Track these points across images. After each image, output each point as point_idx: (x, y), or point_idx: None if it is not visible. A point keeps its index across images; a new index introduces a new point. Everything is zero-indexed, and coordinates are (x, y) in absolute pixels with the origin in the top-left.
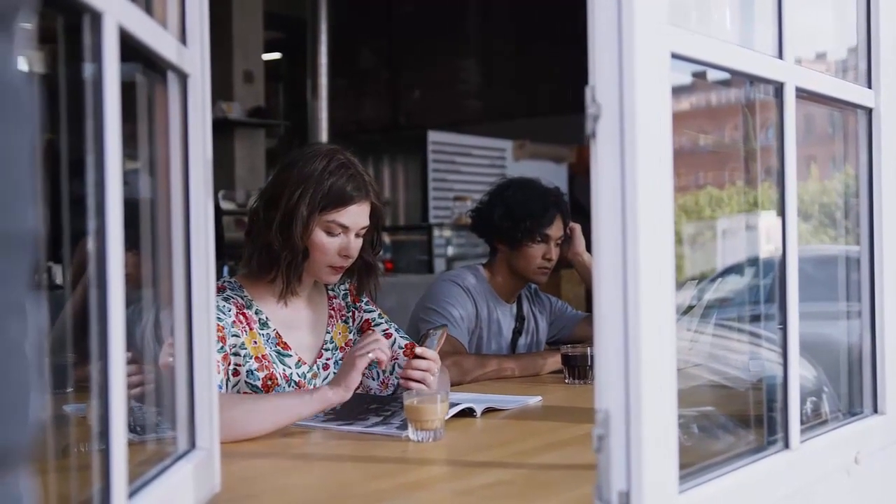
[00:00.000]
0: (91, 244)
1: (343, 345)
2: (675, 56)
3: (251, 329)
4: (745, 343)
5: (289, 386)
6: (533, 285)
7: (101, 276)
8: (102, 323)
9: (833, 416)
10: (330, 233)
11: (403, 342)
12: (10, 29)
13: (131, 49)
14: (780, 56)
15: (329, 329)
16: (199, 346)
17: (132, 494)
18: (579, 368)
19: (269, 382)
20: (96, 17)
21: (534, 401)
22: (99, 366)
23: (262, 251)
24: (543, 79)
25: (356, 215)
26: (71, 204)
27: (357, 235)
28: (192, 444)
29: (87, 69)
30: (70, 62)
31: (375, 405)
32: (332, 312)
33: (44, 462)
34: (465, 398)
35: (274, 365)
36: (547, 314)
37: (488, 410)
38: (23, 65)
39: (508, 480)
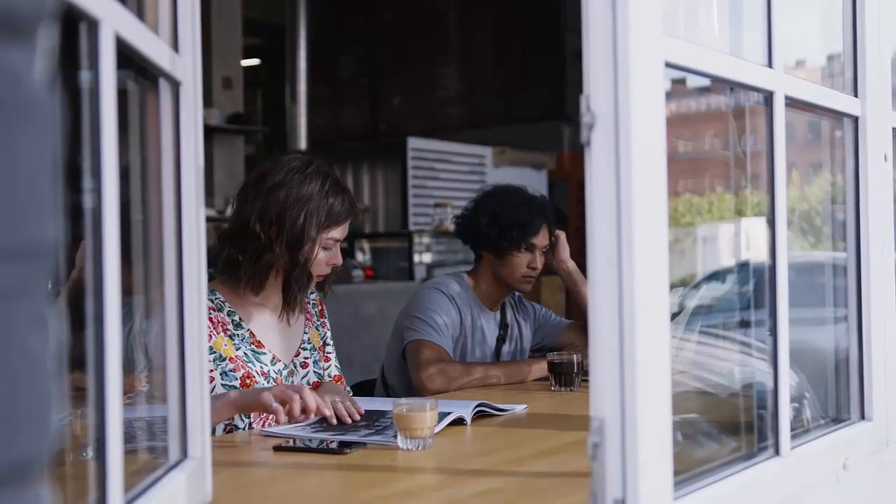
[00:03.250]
0: (86, 251)
1: (318, 347)
2: (668, 65)
3: (224, 331)
4: (731, 350)
5: (267, 382)
6: (517, 293)
7: (97, 283)
8: (99, 333)
9: (815, 422)
10: (326, 247)
11: (334, 372)
12: (32, 41)
13: (124, 56)
14: (770, 65)
15: (306, 330)
16: (190, 356)
17: None
18: (565, 376)
19: (248, 381)
20: (93, 25)
21: (520, 409)
22: (95, 376)
23: (265, 269)
24: (523, 86)
25: (346, 228)
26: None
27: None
28: (184, 454)
29: (83, 76)
30: (64, 68)
31: (366, 421)
32: (308, 315)
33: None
34: (454, 405)
35: (250, 364)
36: (531, 321)
37: (479, 415)
38: (43, 75)
39: (500, 488)
